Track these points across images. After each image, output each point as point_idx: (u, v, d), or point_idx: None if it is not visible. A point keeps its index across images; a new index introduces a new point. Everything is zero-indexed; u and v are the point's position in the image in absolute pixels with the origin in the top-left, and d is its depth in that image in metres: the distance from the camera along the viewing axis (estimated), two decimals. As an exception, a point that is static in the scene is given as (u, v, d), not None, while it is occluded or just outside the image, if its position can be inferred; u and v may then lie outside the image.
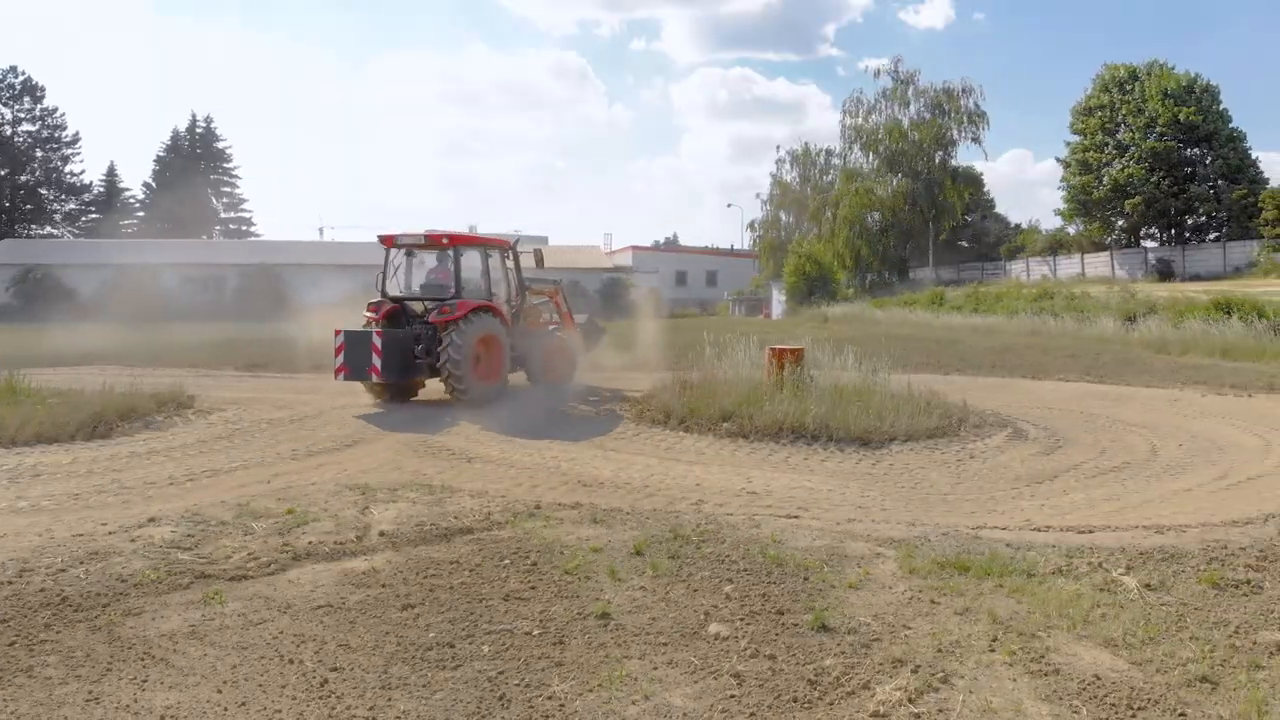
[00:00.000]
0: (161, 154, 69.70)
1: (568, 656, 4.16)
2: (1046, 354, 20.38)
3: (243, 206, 73.31)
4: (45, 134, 64.64)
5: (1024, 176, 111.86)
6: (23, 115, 63.94)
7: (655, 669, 4.03)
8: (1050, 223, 57.89)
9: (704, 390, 11.20)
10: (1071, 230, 53.06)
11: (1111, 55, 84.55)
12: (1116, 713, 3.59)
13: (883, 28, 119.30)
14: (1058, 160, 52.38)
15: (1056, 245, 52.18)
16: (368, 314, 12.74)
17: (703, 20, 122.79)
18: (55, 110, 64.95)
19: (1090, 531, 6.36)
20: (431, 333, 12.06)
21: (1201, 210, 46.32)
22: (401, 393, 12.81)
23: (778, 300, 51.27)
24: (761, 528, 6.27)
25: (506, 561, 5.53)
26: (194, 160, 69.03)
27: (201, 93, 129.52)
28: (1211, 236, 46.78)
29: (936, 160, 50.76)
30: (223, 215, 71.76)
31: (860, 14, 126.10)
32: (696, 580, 5.18)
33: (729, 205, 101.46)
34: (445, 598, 4.92)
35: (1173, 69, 46.54)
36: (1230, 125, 45.95)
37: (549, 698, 3.76)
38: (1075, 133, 50.33)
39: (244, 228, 71.66)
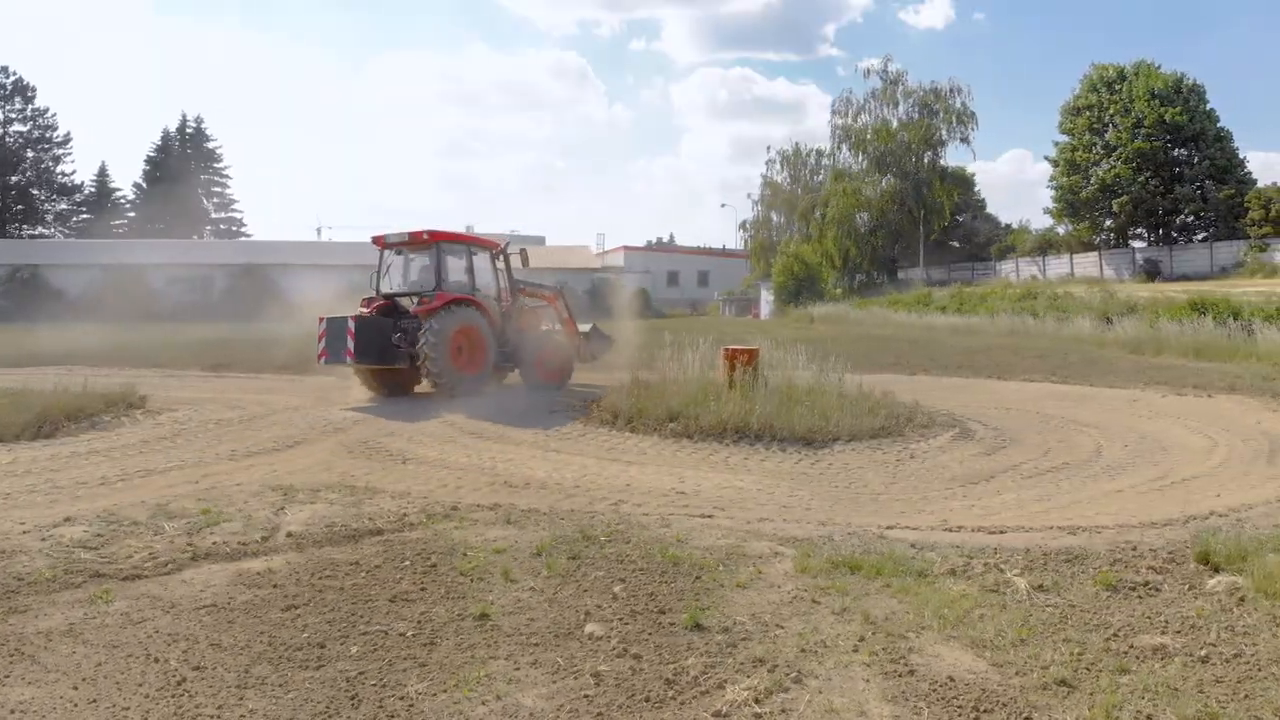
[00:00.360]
0: (152, 154, 69.71)
1: (434, 657, 4.15)
2: (1017, 354, 20.39)
3: (233, 206, 73.41)
4: (36, 134, 64.70)
5: (1024, 176, 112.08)
6: (14, 116, 64.02)
7: (518, 669, 4.02)
8: (1041, 222, 57.90)
9: (654, 391, 11.21)
10: (1061, 230, 53.05)
11: (1112, 55, 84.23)
12: (961, 714, 3.58)
13: (883, 28, 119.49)
14: (1046, 159, 52.44)
15: (1046, 245, 52.20)
16: (361, 309, 13.27)
17: (703, 20, 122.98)
18: (46, 111, 65.10)
19: (1002, 532, 6.36)
20: (416, 325, 12.55)
21: (1188, 210, 46.30)
22: (396, 387, 13.22)
23: (766, 301, 51.31)
24: (671, 527, 6.27)
25: (406, 563, 5.53)
26: (184, 160, 68.98)
27: (201, 93, 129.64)
28: (1199, 237, 46.78)
29: (925, 160, 50.79)
30: (213, 215, 71.78)
31: (860, 14, 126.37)
32: (589, 581, 5.17)
33: (723, 205, 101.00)
34: (332, 599, 4.91)
35: (1159, 69, 46.52)
36: (1218, 125, 45.92)
37: (401, 698, 3.75)
38: (1063, 132, 50.35)
39: (234, 228, 71.71)
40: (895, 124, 50.82)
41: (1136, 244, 48.84)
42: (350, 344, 12.22)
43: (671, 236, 76.56)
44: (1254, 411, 12.37)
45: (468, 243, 14.15)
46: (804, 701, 3.63)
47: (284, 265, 47.60)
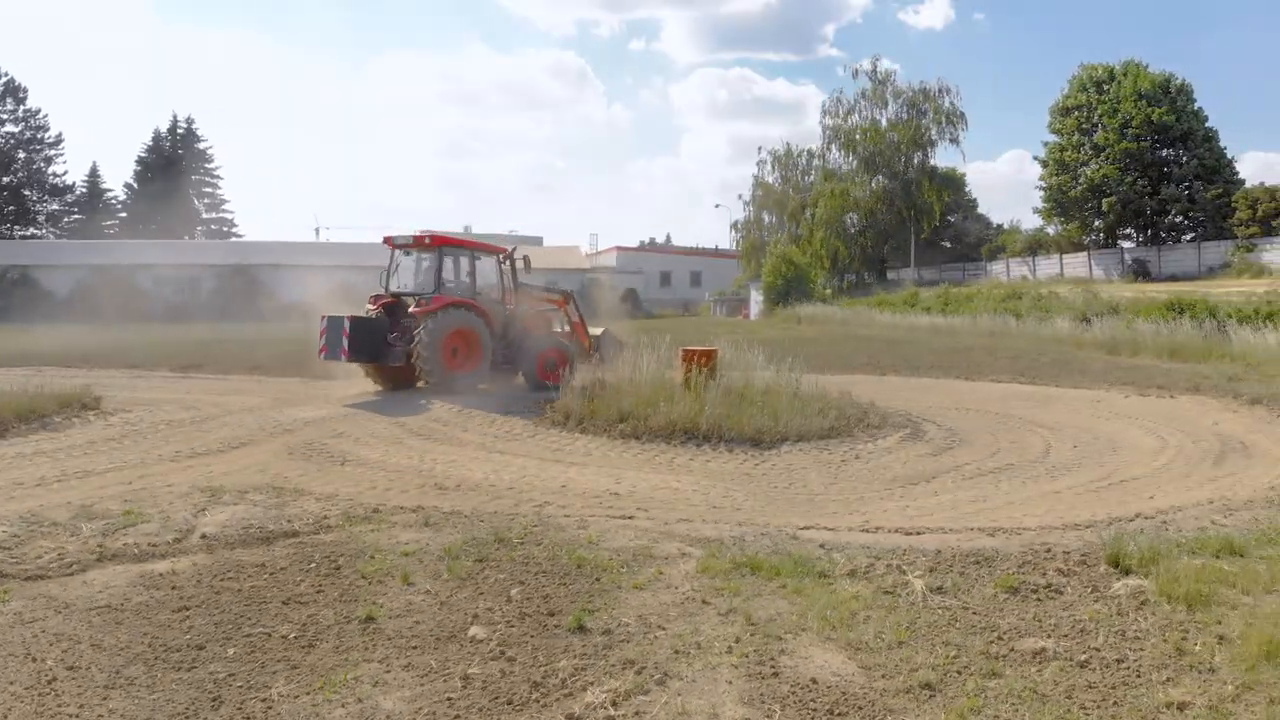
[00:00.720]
0: (143, 154, 69.60)
1: (309, 660, 4.15)
2: (992, 355, 20.38)
3: (224, 207, 73.23)
4: (28, 135, 64.50)
5: (1023, 176, 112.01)
6: (5, 117, 63.87)
7: (389, 672, 4.02)
8: (1032, 223, 57.87)
9: (608, 391, 11.21)
10: (1051, 230, 52.97)
11: (1113, 55, 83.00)
12: (815, 717, 3.58)
13: (882, 28, 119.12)
14: (1035, 159, 52.40)
15: (1036, 245, 52.14)
16: (369, 306, 13.97)
17: (702, 20, 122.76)
18: (38, 111, 64.82)
19: (919, 533, 6.36)
20: (414, 324, 13.22)
21: (1176, 210, 46.23)
22: (399, 382, 13.75)
23: (756, 301, 51.30)
24: (588, 528, 6.27)
25: (313, 565, 5.52)
26: (175, 161, 68.86)
27: (199, 93, 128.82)
28: (1188, 237, 46.72)
29: (915, 161, 50.76)
30: (204, 216, 71.64)
31: (860, 14, 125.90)
32: (488, 584, 5.17)
33: (716, 206, 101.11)
34: (226, 600, 4.91)
35: (1147, 69, 46.43)
36: (1205, 125, 45.84)
37: (263, 700, 3.75)
38: (1053, 132, 50.21)
39: (226, 228, 71.58)
40: (885, 124, 50.81)
41: (1125, 244, 48.79)
42: (345, 343, 12.88)
43: (669, 237, 76.52)
44: (1213, 412, 12.38)
45: (471, 248, 14.70)
46: (660, 704, 3.63)
47: (274, 266, 47.62)
